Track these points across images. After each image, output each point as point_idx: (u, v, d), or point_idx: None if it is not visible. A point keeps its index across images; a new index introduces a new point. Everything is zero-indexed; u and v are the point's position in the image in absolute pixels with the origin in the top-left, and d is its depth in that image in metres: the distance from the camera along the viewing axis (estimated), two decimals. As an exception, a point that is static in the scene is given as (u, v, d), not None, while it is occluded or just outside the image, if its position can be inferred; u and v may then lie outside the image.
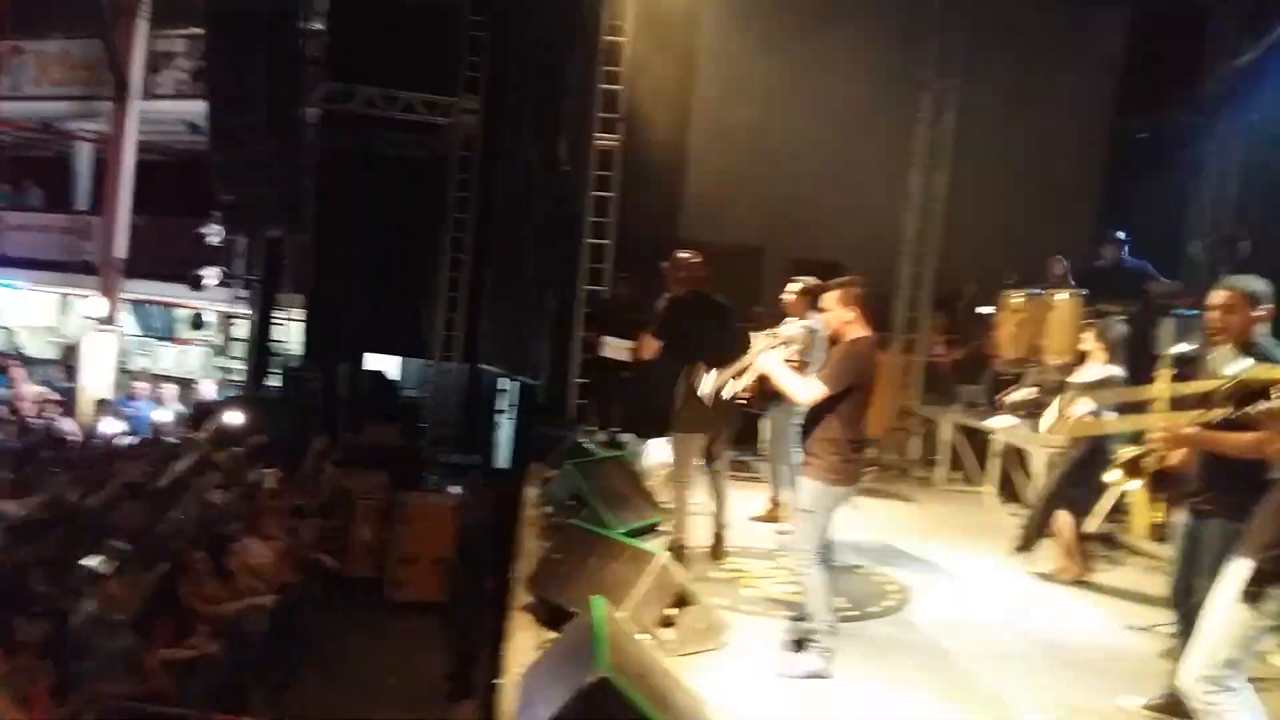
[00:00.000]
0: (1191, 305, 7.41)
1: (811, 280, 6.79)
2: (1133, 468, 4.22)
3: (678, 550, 5.96)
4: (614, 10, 11.22)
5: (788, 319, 7.16)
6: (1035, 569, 6.52)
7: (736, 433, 6.51)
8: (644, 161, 11.80)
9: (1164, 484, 4.29)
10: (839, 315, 4.73)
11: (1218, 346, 4.18)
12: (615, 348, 9.95)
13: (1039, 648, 5.18)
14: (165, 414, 12.77)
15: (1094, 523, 6.25)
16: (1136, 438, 4.64)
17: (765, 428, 8.26)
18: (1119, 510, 6.52)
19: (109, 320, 14.39)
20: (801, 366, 7.10)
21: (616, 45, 11.19)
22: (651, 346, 6.27)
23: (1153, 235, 9.32)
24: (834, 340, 4.80)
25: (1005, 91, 11.19)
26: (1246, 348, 4.07)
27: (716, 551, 6.31)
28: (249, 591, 7.83)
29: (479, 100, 12.27)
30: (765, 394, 6.83)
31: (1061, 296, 8.38)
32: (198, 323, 15.15)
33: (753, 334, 4.77)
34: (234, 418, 10.24)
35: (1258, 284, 4.20)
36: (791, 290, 7.17)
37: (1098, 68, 11.46)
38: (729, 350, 5.81)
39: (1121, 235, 8.98)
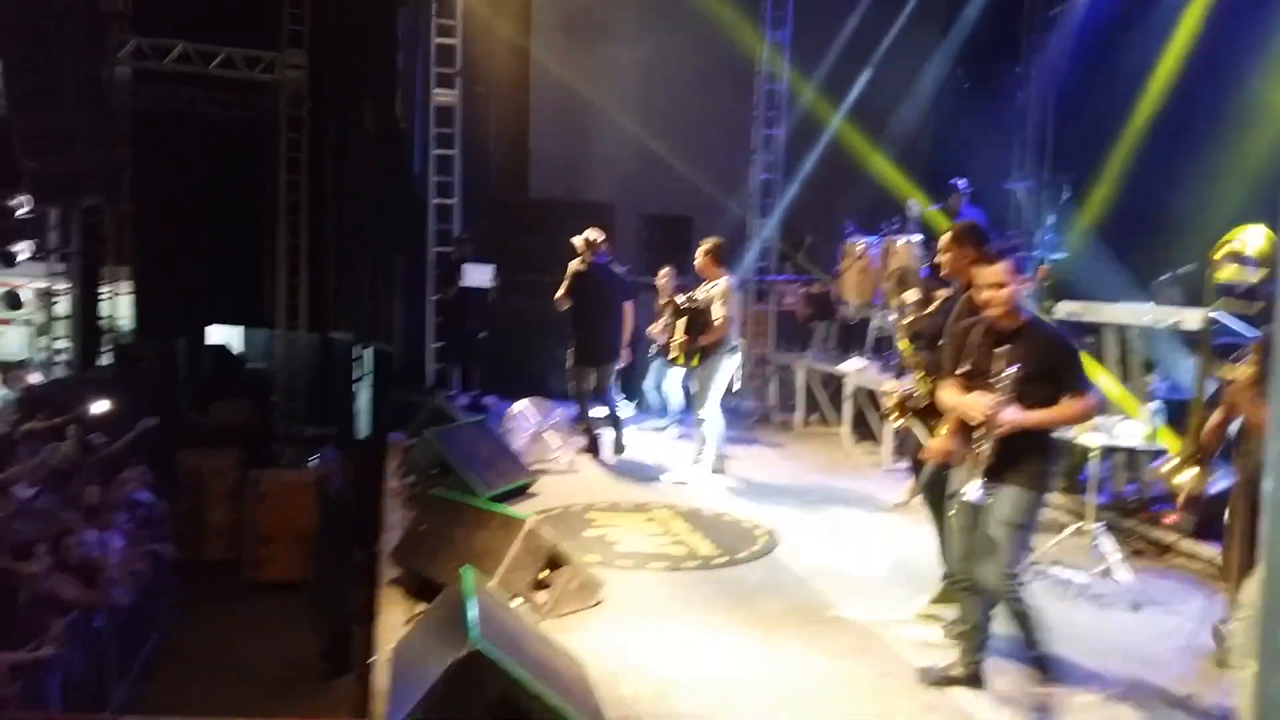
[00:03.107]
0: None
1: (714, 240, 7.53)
2: (901, 407, 4.57)
3: (592, 445, 7.94)
4: (446, -39, 10.89)
5: (704, 281, 7.24)
6: (895, 502, 6.80)
7: (617, 370, 8.26)
8: (485, 119, 11.57)
9: (932, 414, 4.38)
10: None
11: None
12: (476, 275, 9.81)
13: (904, 578, 5.31)
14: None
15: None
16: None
17: (674, 380, 8.82)
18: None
19: (-90, 301, 13.16)
20: (727, 321, 7.12)
21: (450, -2, 10.88)
22: (565, 301, 7.73)
23: (982, 182, 9.74)
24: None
25: (839, 45, 11.47)
26: (969, 284, 4.22)
27: (618, 447, 8.03)
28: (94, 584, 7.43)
29: (304, 55, 11.67)
30: (694, 349, 7.03)
31: (901, 242, 8.73)
32: (14, 301, 14.02)
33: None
34: (94, 405, 9.53)
35: (972, 228, 4.61)
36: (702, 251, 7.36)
37: (926, 21, 11.82)
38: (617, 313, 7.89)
39: (962, 185, 9.28)
